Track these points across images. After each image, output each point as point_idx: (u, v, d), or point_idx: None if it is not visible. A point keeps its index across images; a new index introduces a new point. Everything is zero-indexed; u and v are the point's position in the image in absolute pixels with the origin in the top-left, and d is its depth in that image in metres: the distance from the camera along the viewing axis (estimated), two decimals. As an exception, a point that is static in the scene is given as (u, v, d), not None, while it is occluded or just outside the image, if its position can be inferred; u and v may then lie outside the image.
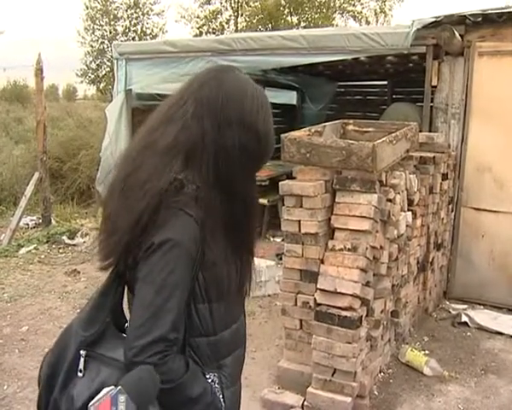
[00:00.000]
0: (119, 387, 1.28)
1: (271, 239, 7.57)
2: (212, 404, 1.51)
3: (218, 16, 24.38)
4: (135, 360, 1.33)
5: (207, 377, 1.52)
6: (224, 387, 1.56)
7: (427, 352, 4.31)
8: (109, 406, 1.26)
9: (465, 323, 4.88)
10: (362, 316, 3.37)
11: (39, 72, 7.55)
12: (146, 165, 1.44)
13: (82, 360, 1.44)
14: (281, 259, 4.36)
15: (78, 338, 1.46)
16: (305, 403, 3.42)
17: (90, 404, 1.29)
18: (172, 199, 1.40)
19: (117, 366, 1.40)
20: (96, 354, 1.44)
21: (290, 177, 3.79)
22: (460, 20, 5.12)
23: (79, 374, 1.43)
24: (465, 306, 5.27)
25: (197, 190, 1.43)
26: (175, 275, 1.38)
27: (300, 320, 3.66)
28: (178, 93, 1.54)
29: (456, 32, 4.95)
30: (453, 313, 5.13)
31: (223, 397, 1.55)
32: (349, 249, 3.41)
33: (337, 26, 22.45)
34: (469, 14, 5.06)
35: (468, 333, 4.75)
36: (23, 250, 6.80)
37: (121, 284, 1.50)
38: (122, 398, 1.27)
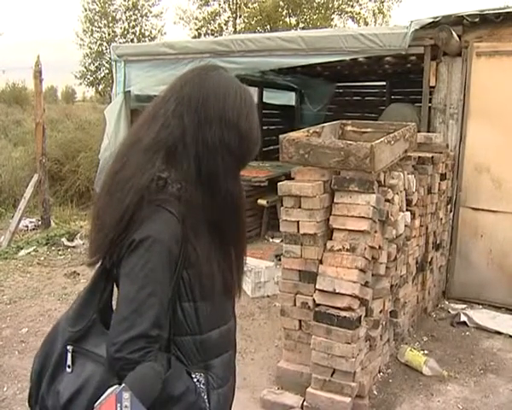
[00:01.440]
0: (123, 384, 1.30)
1: (270, 240, 7.58)
2: (196, 403, 1.50)
3: (217, 18, 24.40)
4: (116, 356, 1.34)
5: (193, 376, 1.53)
6: (211, 388, 1.55)
7: (426, 352, 4.32)
8: (114, 403, 1.27)
9: (464, 322, 4.88)
10: (361, 316, 3.38)
11: (38, 74, 7.55)
12: (130, 162, 1.47)
13: (69, 355, 1.46)
14: (280, 260, 4.35)
15: (65, 334, 1.50)
16: (305, 403, 3.43)
17: (96, 403, 1.30)
18: (155, 197, 1.41)
19: (101, 362, 1.42)
20: (83, 350, 1.47)
21: (289, 177, 3.80)
22: (458, 20, 5.13)
23: (68, 369, 1.46)
24: (464, 305, 5.28)
25: (180, 189, 1.44)
26: (156, 272, 1.39)
27: (299, 321, 3.67)
28: (164, 92, 1.57)
29: (453, 33, 4.96)
30: (452, 312, 5.13)
31: (208, 398, 1.54)
32: (348, 250, 3.42)
33: (335, 27, 22.45)
34: (467, 15, 5.07)
35: (467, 333, 4.76)
36: (22, 252, 6.80)
37: (109, 281, 1.52)
38: (126, 395, 1.28)
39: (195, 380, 1.53)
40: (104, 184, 1.53)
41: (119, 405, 1.27)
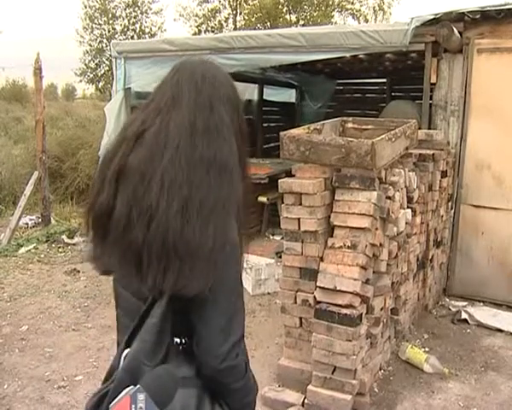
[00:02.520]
0: (138, 386, 1.28)
1: (271, 237, 7.57)
2: (255, 390, 1.55)
3: (217, 14, 24.37)
4: (222, 367, 1.34)
5: None
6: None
7: (427, 349, 4.32)
8: (128, 404, 1.26)
9: (465, 320, 4.88)
10: (362, 314, 3.37)
11: (38, 71, 7.54)
12: (213, 184, 1.36)
13: None
14: (280, 257, 4.35)
15: (142, 371, 1.32)
16: (306, 401, 3.42)
17: (111, 405, 1.28)
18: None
19: (189, 384, 1.36)
20: None
21: (289, 175, 3.79)
22: (459, 17, 5.11)
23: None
24: (465, 303, 5.27)
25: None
26: (238, 273, 1.40)
27: (300, 318, 3.66)
28: (194, 105, 1.42)
29: (454, 30, 4.95)
30: (453, 310, 5.13)
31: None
32: (349, 247, 3.41)
33: (336, 23, 22.43)
34: (468, 12, 5.05)
35: (468, 330, 4.75)
36: (22, 250, 6.79)
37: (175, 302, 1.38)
38: (141, 396, 1.26)
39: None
40: (163, 212, 1.32)
41: (133, 406, 1.26)
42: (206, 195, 1.33)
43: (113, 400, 1.30)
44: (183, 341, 1.39)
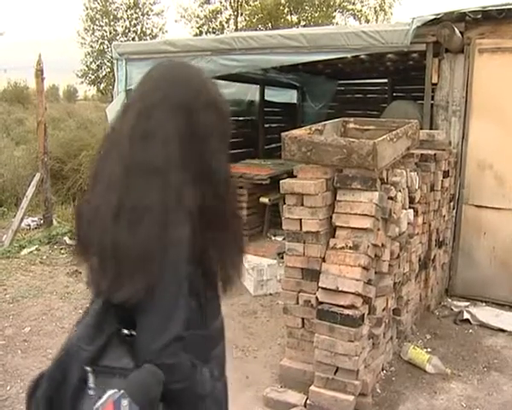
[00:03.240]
0: (122, 391, 1.26)
1: (273, 238, 7.57)
2: (213, 396, 1.53)
3: (218, 16, 24.38)
4: (155, 363, 1.32)
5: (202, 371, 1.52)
6: (216, 379, 1.57)
7: (429, 349, 4.31)
8: None
9: (467, 320, 4.87)
10: (364, 314, 3.37)
11: (40, 72, 7.54)
12: (141, 187, 1.37)
13: (90, 376, 1.36)
14: (282, 258, 4.35)
15: (81, 355, 1.38)
16: (308, 402, 3.42)
17: (94, 408, 1.27)
18: (177, 200, 1.38)
19: (126, 375, 1.35)
20: (103, 368, 1.37)
21: (291, 175, 3.79)
22: (460, 17, 5.11)
23: (90, 392, 1.35)
24: (467, 303, 5.27)
25: (193, 189, 1.41)
26: (181, 272, 1.37)
27: (302, 319, 3.66)
28: (137, 108, 1.46)
29: (456, 30, 4.94)
30: (455, 310, 5.12)
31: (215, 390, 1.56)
32: (350, 248, 3.41)
33: (337, 24, 22.43)
34: (469, 11, 5.05)
35: (471, 330, 4.75)
36: (25, 251, 6.80)
37: None
38: (125, 402, 1.25)
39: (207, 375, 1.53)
40: (99, 217, 1.39)
41: None
42: (139, 199, 1.35)
43: (52, 383, 1.38)
44: (131, 333, 1.41)
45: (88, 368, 1.36)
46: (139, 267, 1.33)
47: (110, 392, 1.27)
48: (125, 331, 1.41)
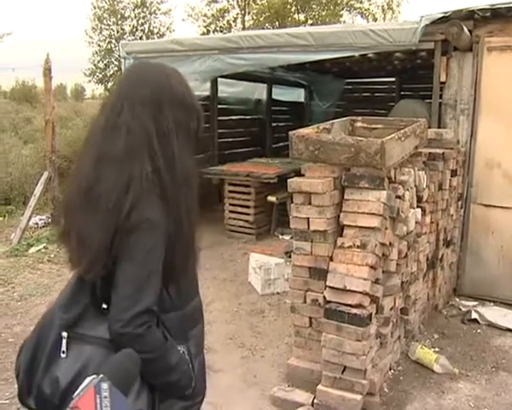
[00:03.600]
0: (101, 375, 1.31)
1: (280, 237, 7.56)
2: (187, 371, 1.61)
3: (225, 14, 24.36)
4: (122, 332, 1.42)
5: (178, 348, 1.61)
6: (193, 357, 1.66)
7: (437, 349, 4.30)
8: (93, 395, 1.28)
9: (475, 320, 4.85)
10: (371, 313, 3.36)
11: (48, 71, 7.57)
12: (106, 176, 1.50)
13: (64, 341, 1.49)
14: (290, 256, 4.35)
15: (58, 321, 1.52)
16: (315, 401, 3.41)
17: (74, 395, 1.31)
18: (146, 184, 1.48)
19: (99, 344, 1.47)
20: (78, 335, 1.50)
21: (299, 174, 3.78)
22: (468, 15, 5.09)
23: (62, 355, 1.48)
24: (475, 303, 5.24)
25: (157, 176, 1.51)
26: (156, 250, 1.48)
27: (310, 318, 3.66)
28: (109, 101, 1.63)
29: (464, 28, 4.92)
30: (463, 310, 5.10)
31: (192, 366, 1.65)
32: (358, 247, 3.40)
33: (344, 23, 22.37)
34: (478, 9, 5.03)
35: (479, 330, 4.73)
36: (33, 249, 6.83)
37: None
38: (105, 385, 1.29)
39: (181, 352, 1.62)
40: (73, 202, 1.56)
41: (98, 396, 1.28)
42: (103, 185, 1.49)
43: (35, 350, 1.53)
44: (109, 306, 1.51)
45: (64, 333, 1.49)
46: (97, 255, 1.47)
47: (89, 378, 1.34)
48: (104, 306, 1.52)
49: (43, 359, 1.50)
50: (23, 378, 1.55)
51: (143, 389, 1.48)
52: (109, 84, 22.93)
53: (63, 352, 1.48)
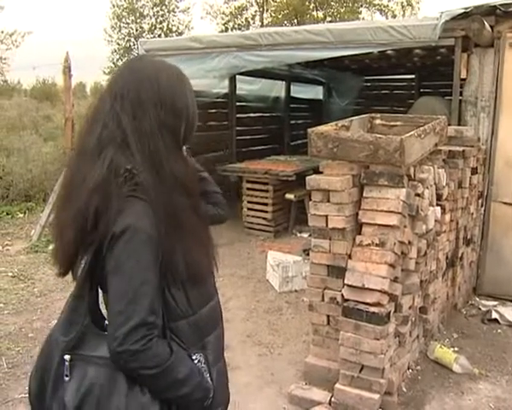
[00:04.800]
0: None
1: (298, 234, 7.55)
2: (201, 384, 1.53)
3: (244, 12, 24.42)
4: (119, 350, 1.37)
5: (193, 358, 1.55)
6: (211, 365, 1.60)
7: (456, 349, 4.25)
8: None
9: (495, 320, 4.79)
10: (390, 312, 3.33)
11: (67, 69, 7.64)
12: (80, 168, 1.49)
13: (67, 364, 1.47)
14: (308, 254, 4.33)
15: (59, 345, 1.50)
16: (333, 399, 3.40)
17: None
18: (124, 189, 1.42)
19: (103, 364, 1.44)
20: (81, 356, 1.47)
21: (317, 172, 3.76)
22: (490, 10, 5.02)
23: (66, 379, 1.46)
24: (495, 302, 5.18)
25: (143, 178, 1.45)
26: (142, 259, 1.40)
27: (328, 316, 3.64)
28: (101, 94, 1.61)
29: (485, 23, 4.86)
30: (483, 309, 5.04)
31: (210, 376, 1.58)
32: (377, 245, 3.37)
33: (363, 19, 22.25)
34: (499, 4, 4.96)
35: (499, 330, 4.67)
36: (52, 246, 6.89)
37: (94, 283, 1.52)
38: None
39: (196, 361, 1.56)
40: (60, 197, 1.60)
41: None
42: (81, 178, 1.47)
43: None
44: None
45: (66, 357, 1.47)
46: (68, 251, 1.49)
47: None
48: (106, 322, 1.47)
49: (50, 383, 1.49)
50: (35, 403, 1.55)
51: (154, 403, 1.45)
52: (128, 82, 23.09)
53: (66, 375, 1.46)
